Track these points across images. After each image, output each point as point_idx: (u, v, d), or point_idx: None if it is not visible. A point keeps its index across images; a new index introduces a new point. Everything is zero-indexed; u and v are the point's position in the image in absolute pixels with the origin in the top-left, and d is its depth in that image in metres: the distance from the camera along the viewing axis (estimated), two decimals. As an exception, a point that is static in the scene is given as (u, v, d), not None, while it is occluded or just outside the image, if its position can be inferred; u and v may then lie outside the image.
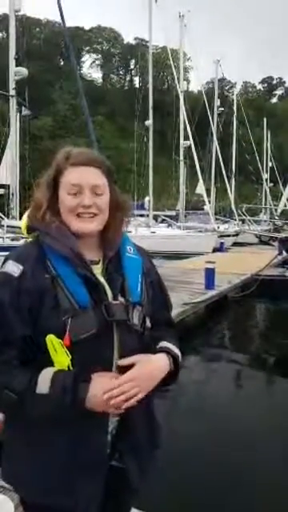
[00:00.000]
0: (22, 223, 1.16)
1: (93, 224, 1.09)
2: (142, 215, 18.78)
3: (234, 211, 22.63)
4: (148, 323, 1.12)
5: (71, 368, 0.97)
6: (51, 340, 0.97)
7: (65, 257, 1.04)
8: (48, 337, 0.97)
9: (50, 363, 0.99)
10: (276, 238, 10.43)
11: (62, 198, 1.09)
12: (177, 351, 1.16)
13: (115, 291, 1.09)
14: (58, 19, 11.16)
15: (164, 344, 1.15)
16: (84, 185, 1.07)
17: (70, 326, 0.97)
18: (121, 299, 1.08)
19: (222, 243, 16.81)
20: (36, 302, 1.00)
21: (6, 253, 1.11)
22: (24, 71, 12.83)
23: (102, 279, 1.09)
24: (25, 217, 1.16)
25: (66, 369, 0.97)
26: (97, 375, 1.00)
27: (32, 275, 1.02)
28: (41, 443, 1.03)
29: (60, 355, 0.97)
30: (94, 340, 1.00)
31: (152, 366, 1.06)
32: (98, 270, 1.10)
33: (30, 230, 1.14)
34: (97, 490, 1.05)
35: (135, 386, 0.99)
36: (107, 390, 0.97)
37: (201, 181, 19.26)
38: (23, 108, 13.51)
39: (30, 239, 1.13)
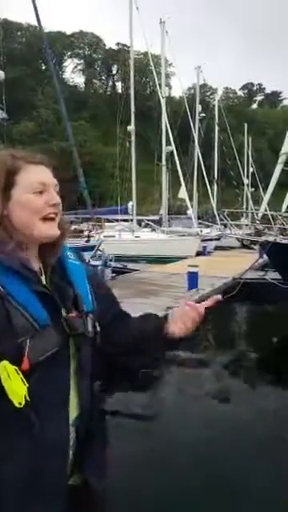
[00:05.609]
0: None
1: (56, 227, 1.01)
2: (125, 220, 18.83)
3: (216, 216, 22.89)
4: (98, 328, 1.07)
5: (28, 398, 0.87)
6: (5, 367, 0.86)
7: (14, 271, 0.93)
8: (1, 364, 0.86)
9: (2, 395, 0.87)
10: (257, 241, 10.60)
11: (22, 199, 0.97)
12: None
13: (68, 303, 1.01)
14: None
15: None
16: (49, 183, 1.01)
17: (29, 347, 0.88)
18: (73, 310, 1.02)
19: (204, 247, 16.99)
20: None
21: None
22: (0, 74, 12.80)
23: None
24: None
25: (23, 399, 0.87)
26: None
27: None
28: None
29: (15, 384, 0.86)
30: (51, 360, 0.93)
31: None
32: (42, 281, 1.01)
33: None
34: None
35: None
36: None
37: (183, 186, 19.43)
38: (1, 112, 13.46)
39: None
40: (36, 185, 0.98)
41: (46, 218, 0.99)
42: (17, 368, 0.87)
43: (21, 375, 0.87)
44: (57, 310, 0.98)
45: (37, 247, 1.03)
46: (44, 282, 1.01)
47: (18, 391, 0.86)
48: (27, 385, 0.87)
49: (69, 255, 1.11)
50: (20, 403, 0.86)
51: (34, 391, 0.88)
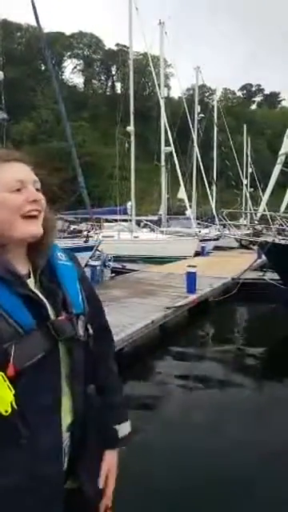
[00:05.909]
0: None
1: (40, 225, 0.98)
2: (124, 220, 18.86)
3: (215, 216, 22.95)
4: (90, 330, 1.05)
5: (14, 405, 0.84)
6: None
7: None
8: None
9: None
10: (256, 242, 10.63)
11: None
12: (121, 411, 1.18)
13: (57, 305, 0.98)
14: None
15: (115, 424, 1.14)
16: (26, 180, 0.97)
17: (14, 353, 0.86)
18: (63, 312, 0.99)
19: (203, 247, 17.03)
20: None
21: None
22: (0, 74, 12.81)
23: (39, 294, 0.98)
24: None
25: (9, 406, 0.84)
26: None
27: None
28: None
29: (2, 390, 0.84)
30: (39, 365, 0.90)
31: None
32: (31, 283, 0.98)
33: None
34: None
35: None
36: None
37: (182, 186, 19.48)
38: (0, 112, 13.46)
39: None
40: (13, 183, 0.95)
41: (26, 216, 0.96)
42: (3, 374, 0.84)
43: (7, 382, 0.84)
44: (43, 313, 0.95)
45: (23, 248, 1.00)
46: (33, 285, 0.98)
47: (4, 397, 0.83)
48: (13, 391, 0.84)
49: (59, 256, 1.07)
50: (6, 411, 0.84)
51: (21, 398, 0.86)
